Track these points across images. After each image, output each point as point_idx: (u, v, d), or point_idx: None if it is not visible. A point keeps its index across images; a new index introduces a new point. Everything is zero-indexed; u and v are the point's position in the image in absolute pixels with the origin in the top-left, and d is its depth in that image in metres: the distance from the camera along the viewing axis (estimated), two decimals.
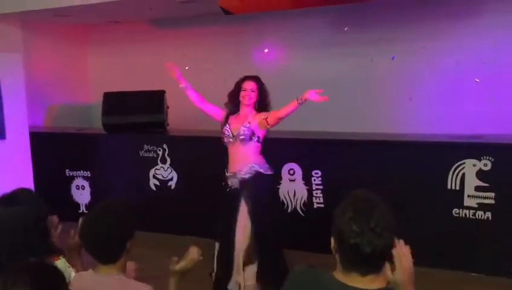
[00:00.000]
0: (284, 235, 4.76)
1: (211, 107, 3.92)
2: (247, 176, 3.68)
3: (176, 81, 3.90)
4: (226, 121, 3.78)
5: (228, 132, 3.72)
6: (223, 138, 3.78)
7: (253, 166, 3.68)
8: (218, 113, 3.87)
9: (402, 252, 1.53)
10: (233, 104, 3.78)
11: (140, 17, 6.35)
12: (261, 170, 3.69)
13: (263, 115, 3.67)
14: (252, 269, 3.68)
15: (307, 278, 1.58)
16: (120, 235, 1.98)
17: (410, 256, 1.63)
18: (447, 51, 5.04)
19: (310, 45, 5.71)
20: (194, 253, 2.16)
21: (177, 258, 2.14)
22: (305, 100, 3.48)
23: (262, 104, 3.73)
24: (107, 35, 6.88)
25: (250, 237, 3.64)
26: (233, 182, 3.73)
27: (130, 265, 2.20)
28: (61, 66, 6.75)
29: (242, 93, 3.71)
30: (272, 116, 3.63)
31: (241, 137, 3.66)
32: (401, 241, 1.53)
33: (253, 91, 3.70)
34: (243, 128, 3.65)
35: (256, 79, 3.78)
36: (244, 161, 3.69)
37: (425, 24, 5.16)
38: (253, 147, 3.71)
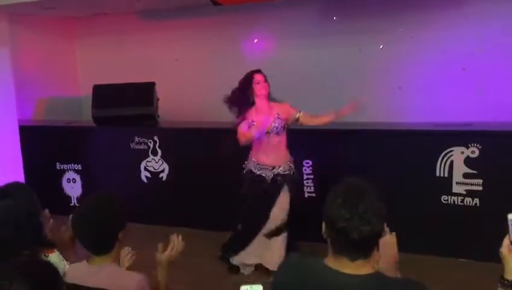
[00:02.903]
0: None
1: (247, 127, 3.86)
2: (286, 173, 3.91)
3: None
4: (246, 117, 3.85)
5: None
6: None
7: (290, 166, 3.95)
8: (245, 122, 3.87)
9: (387, 240, 1.57)
10: (246, 100, 3.87)
11: (128, 9, 6.31)
12: (293, 169, 3.97)
13: (293, 111, 3.90)
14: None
15: (299, 265, 1.62)
16: (111, 226, 2.01)
17: (395, 244, 1.69)
18: (434, 40, 5.07)
19: (299, 35, 5.72)
20: (175, 240, 2.21)
21: (161, 244, 2.18)
22: (343, 116, 3.81)
23: (270, 95, 3.92)
24: (95, 27, 6.84)
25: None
26: (267, 175, 3.91)
27: (124, 251, 2.23)
28: (49, 59, 6.69)
29: (257, 86, 3.83)
30: (305, 119, 3.91)
31: (277, 130, 3.82)
32: (388, 230, 1.57)
33: (265, 82, 3.86)
34: (277, 121, 3.83)
35: (261, 71, 3.94)
36: (278, 153, 3.90)
37: (413, 13, 5.19)
38: (284, 137, 3.92)
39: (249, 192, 4.00)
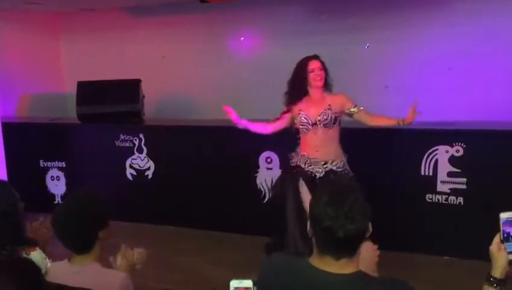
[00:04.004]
0: (261, 223, 4.83)
1: (278, 124, 3.65)
2: (340, 170, 3.57)
3: (233, 123, 3.60)
4: (295, 109, 3.56)
5: (307, 119, 3.52)
6: (296, 127, 3.60)
7: (345, 163, 3.61)
8: (283, 120, 3.64)
9: (366, 243, 1.58)
10: (299, 89, 3.55)
11: (114, 5, 6.25)
12: (347, 167, 3.63)
13: (348, 104, 3.57)
14: None
15: (283, 264, 1.62)
16: (90, 225, 1.99)
17: (372, 247, 1.70)
18: (421, 39, 5.11)
19: (286, 33, 5.71)
20: (125, 253, 2.12)
21: (112, 258, 2.11)
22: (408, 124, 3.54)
23: (327, 84, 3.57)
24: (80, 23, 6.76)
25: None
26: (318, 171, 3.56)
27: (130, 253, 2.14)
28: (33, 55, 6.60)
29: (312, 75, 3.49)
30: (361, 116, 3.59)
31: (326, 122, 3.49)
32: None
33: (321, 70, 3.52)
34: (326, 112, 3.49)
35: (318, 57, 3.58)
36: (329, 147, 3.56)
37: (399, 13, 5.21)
38: (336, 130, 3.59)
39: (288, 191, 3.59)
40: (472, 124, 4.47)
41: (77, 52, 6.88)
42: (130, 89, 5.48)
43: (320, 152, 3.54)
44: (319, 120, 3.50)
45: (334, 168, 3.56)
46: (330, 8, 5.47)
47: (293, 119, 3.62)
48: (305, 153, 3.60)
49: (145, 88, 5.54)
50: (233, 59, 6.04)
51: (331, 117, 3.51)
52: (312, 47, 5.61)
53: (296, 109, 3.58)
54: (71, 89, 5.91)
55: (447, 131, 4.31)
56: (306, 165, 3.58)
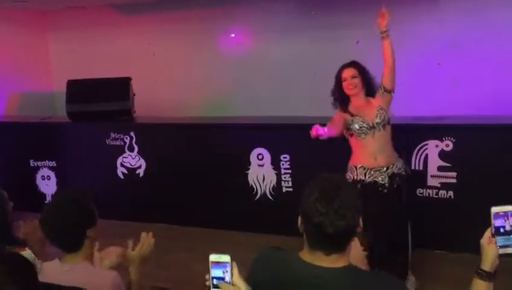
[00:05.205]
0: (252, 219, 4.84)
1: (340, 125, 3.41)
2: (401, 172, 3.44)
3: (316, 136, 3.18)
4: (346, 116, 3.41)
5: (364, 123, 3.38)
6: (351, 134, 3.43)
7: (403, 163, 3.50)
8: (341, 120, 3.42)
9: (353, 241, 1.59)
10: (340, 99, 3.45)
11: (103, 2, 6.21)
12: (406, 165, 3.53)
13: (380, 91, 3.42)
14: None
15: (273, 258, 1.62)
16: (78, 223, 1.99)
17: (359, 245, 1.72)
18: (409, 35, 5.12)
19: (276, 30, 5.72)
20: (145, 238, 2.19)
21: (131, 242, 2.17)
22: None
23: (371, 90, 3.45)
24: (69, 20, 6.71)
25: None
26: (383, 179, 3.39)
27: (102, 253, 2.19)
28: (21, 54, 6.54)
29: (344, 84, 3.41)
30: (384, 77, 3.39)
31: (381, 122, 3.37)
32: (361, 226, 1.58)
33: (354, 77, 3.40)
34: (381, 113, 3.38)
35: (354, 64, 3.47)
36: (387, 150, 3.43)
37: (388, 8, 5.22)
38: (389, 131, 3.46)
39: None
40: (461, 119, 4.50)
41: (66, 50, 6.83)
42: (120, 87, 5.45)
43: (379, 159, 3.40)
44: (377, 122, 3.38)
45: (396, 170, 3.43)
46: (320, 4, 5.47)
47: (346, 125, 3.45)
48: (362, 165, 3.44)
49: (135, 86, 5.52)
50: (223, 56, 6.04)
51: (386, 116, 3.42)
52: (302, 44, 5.66)
53: (347, 115, 3.44)
54: (60, 88, 5.87)
55: (437, 126, 4.34)
56: (367, 177, 3.41)
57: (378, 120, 3.38)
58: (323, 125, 3.03)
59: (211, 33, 6.01)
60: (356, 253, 1.72)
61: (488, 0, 4.84)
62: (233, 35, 6.02)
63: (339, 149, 4.55)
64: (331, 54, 5.38)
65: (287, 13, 5.70)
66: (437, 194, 4.24)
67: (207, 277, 1.47)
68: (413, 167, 4.27)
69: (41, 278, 1.88)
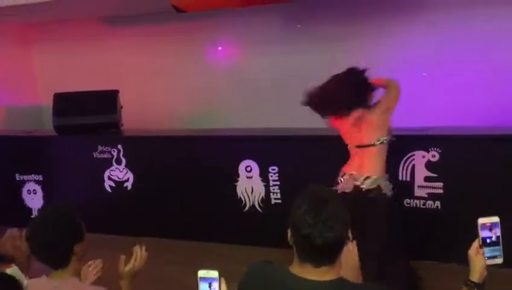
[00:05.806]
0: (241, 232, 4.82)
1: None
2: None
3: None
4: None
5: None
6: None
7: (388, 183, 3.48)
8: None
9: (348, 247, 1.60)
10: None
11: (90, 15, 6.20)
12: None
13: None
14: None
15: (263, 273, 1.62)
16: (65, 239, 1.96)
17: (355, 252, 1.72)
18: (395, 46, 5.20)
19: (264, 42, 5.75)
20: (138, 252, 2.17)
21: (124, 257, 2.15)
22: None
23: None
24: (54, 33, 6.68)
25: None
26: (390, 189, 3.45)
27: (86, 267, 2.17)
28: (5, 67, 6.48)
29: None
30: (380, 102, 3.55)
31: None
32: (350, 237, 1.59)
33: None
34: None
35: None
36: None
37: (373, 21, 5.30)
38: None
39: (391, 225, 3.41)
40: (447, 130, 4.55)
41: (51, 63, 6.80)
42: (107, 100, 5.43)
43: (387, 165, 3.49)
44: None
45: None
46: (306, 17, 5.52)
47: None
48: (386, 174, 3.51)
49: (122, 98, 5.50)
50: (211, 68, 6.05)
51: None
52: (289, 56, 5.70)
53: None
54: (47, 101, 5.83)
55: (423, 136, 4.38)
56: (390, 187, 3.48)
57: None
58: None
59: (198, 45, 6.03)
60: (350, 261, 1.72)
61: (474, 11, 4.92)
62: (220, 48, 6.05)
63: (327, 161, 4.58)
64: (318, 66, 5.44)
65: (274, 26, 5.74)
66: (424, 204, 4.27)
67: None
68: (400, 178, 4.30)
69: None
